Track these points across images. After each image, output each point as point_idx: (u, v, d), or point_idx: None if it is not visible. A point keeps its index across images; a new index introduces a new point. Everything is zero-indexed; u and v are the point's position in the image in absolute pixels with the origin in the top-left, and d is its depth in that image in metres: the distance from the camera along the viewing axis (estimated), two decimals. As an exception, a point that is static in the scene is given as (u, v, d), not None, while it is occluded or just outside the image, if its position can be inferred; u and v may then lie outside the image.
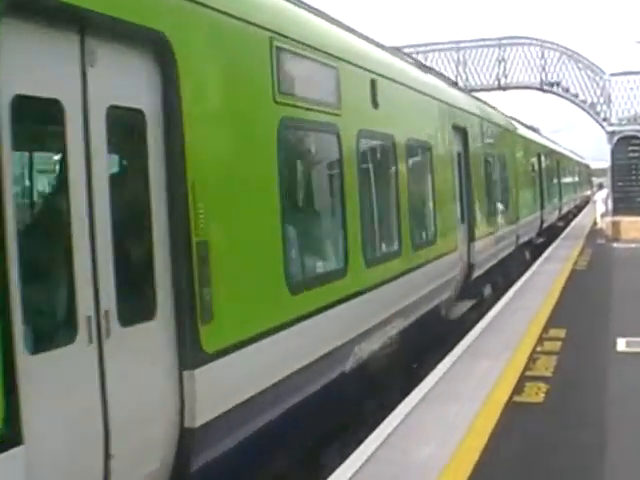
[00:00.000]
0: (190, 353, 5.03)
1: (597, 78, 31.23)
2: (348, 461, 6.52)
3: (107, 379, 4.42)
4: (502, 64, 32.03)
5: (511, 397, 8.15)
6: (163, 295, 4.95)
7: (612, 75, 31.30)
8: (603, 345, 10.48)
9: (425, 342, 11.11)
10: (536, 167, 27.34)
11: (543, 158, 29.69)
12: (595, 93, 31.16)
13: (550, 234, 28.95)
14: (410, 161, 10.51)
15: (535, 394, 8.24)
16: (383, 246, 9.57)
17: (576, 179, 54.35)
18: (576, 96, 31.37)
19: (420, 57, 27.68)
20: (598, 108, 31.08)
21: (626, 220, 27.42)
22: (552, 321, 12.24)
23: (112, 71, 4.64)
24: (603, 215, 29.86)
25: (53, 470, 4.04)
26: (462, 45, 32.63)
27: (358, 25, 10.38)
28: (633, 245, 24.17)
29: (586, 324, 12.13)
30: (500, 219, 17.94)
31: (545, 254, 22.87)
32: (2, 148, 3.81)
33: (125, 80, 4.80)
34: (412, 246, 10.10)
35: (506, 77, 32.11)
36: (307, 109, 7.19)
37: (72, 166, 4.33)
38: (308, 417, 6.75)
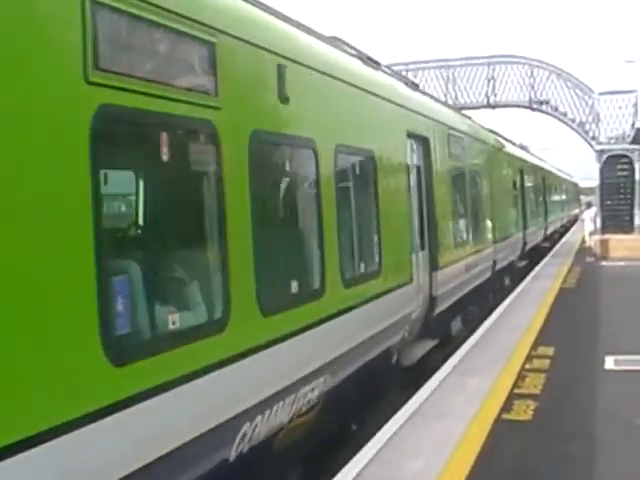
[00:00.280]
0: None
1: (586, 97, 31.52)
2: (340, 475, 6.53)
3: None
4: (491, 82, 32.32)
5: (500, 414, 8.17)
6: None
7: (601, 94, 31.62)
8: (591, 363, 10.52)
9: (370, 396, 9.22)
10: (518, 184, 24.52)
11: (527, 175, 27.43)
12: (584, 112, 31.44)
13: (535, 255, 27.26)
14: (339, 175, 8.17)
15: (524, 412, 8.25)
16: (293, 286, 6.97)
17: (564, 197, 53.27)
18: (565, 115, 31.64)
19: (410, 75, 27.94)
20: (587, 127, 31.37)
21: (614, 238, 27.61)
22: (541, 339, 12.28)
23: None
24: (592, 233, 30.01)
25: None
26: (452, 63, 32.94)
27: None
28: (621, 263, 24.31)
29: (575, 342, 12.17)
30: (472, 242, 15.55)
31: (533, 272, 22.95)
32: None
33: None
34: (342, 282, 7.89)
35: (495, 95, 32.40)
36: (149, 95, 4.90)
37: None
38: None
